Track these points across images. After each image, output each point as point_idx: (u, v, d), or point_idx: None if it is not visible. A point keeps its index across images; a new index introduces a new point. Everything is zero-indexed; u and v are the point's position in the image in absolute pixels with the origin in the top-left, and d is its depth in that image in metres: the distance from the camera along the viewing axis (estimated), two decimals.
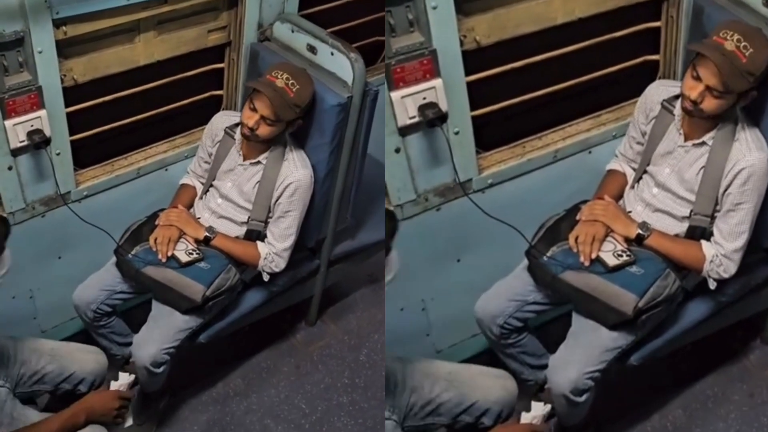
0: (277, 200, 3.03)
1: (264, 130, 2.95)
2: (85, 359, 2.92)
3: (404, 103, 2.70)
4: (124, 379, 2.96)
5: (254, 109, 2.92)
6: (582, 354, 2.70)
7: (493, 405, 2.59)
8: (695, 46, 2.58)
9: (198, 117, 3.33)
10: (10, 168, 2.96)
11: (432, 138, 2.80)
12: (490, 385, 2.62)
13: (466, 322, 2.97)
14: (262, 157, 3.05)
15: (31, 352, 2.82)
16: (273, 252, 3.08)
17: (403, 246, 2.91)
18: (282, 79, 2.92)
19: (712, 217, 2.72)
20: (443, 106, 2.74)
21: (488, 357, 3.04)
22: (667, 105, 2.78)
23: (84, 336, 3.23)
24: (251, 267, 3.13)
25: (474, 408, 2.58)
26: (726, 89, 2.53)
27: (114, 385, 2.92)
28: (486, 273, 2.93)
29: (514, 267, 2.90)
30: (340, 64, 3.03)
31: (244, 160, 3.08)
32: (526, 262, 2.83)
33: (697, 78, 2.55)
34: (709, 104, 2.58)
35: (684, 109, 2.66)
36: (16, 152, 2.94)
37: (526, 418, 2.61)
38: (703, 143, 2.70)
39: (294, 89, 2.92)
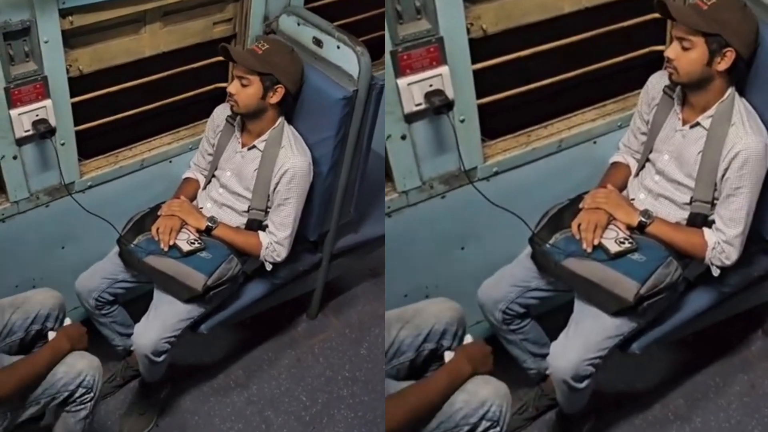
0: (275, 188, 3.02)
1: (243, 95, 2.97)
2: (44, 297, 2.98)
3: (411, 90, 2.71)
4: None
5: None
6: (583, 340, 2.70)
7: (449, 326, 2.64)
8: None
9: (203, 109, 3.33)
10: (15, 157, 2.97)
11: (438, 125, 2.81)
12: (440, 309, 2.67)
13: (469, 310, 2.95)
14: (258, 142, 3.05)
15: None
16: (274, 241, 3.07)
17: (408, 233, 2.93)
18: (256, 45, 3.00)
19: (713, 205, 2.72)
20: (449, 94, 2.75)
21: (491, 344, 3.03)
22: (668, 91, 2.81)
23: (87, 326, 3.21)
24: (253, 257, 3.12)
25: (432, 333, 2.62)
26: (687, 32, 2.58)
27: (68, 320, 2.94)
28: (490, 261, 2.94)
29: (518, 255, 2.91)
30: (346, 57, 3.03)
31: (242, 146, 3.09)
32: (529, 249, 2.84)
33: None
34: (683, 60, 2.62)
35: (670, 78, 2.71)
36: (21, 141, 2.94)
37: (469, 338, 2.64)
38: (698, 124, 2.71)
39: (263, 48, 2.98)
